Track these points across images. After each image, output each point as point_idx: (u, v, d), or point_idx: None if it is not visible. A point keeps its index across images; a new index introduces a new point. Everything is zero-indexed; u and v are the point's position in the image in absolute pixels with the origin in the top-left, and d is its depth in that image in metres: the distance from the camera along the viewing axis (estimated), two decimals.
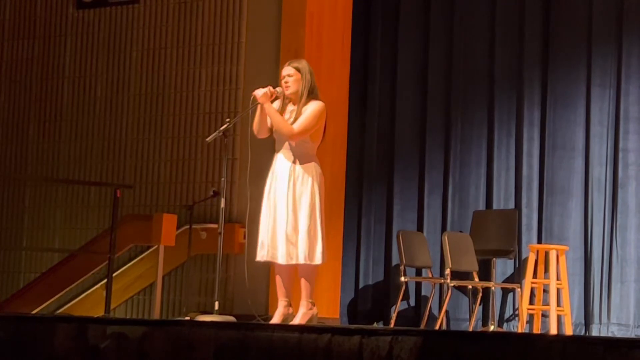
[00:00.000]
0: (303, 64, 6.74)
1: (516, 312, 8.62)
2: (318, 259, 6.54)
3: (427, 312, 8.61)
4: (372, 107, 9.47)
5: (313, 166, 6.62)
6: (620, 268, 8.44)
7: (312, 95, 6.65)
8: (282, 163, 6.62)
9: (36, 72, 10.43)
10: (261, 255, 6.61)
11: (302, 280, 6.57)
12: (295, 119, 6.59)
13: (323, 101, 6.70)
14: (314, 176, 6.59)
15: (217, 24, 9.50)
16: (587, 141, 8.69)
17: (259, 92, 6.61)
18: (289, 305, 6.67)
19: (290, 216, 6.50)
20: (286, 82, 6.68)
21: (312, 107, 6.60)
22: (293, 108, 6.68)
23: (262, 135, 6.75)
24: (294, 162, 6.59)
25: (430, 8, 9.35)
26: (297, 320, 6.55)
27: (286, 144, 6.64)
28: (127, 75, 9.92)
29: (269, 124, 6.68)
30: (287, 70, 6.71)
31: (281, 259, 6.52)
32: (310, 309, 6.59)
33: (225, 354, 4.57)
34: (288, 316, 6.64)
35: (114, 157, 9.86)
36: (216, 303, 7.01)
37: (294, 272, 6.63)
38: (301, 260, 6.50)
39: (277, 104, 6.73)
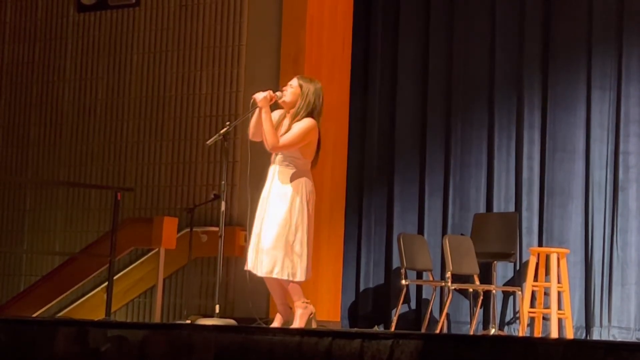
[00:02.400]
0: (312, 84, 6.65)
1: (517, 316, 8.62)
2: (299, 277, 6.54)
3: (427, 316, 8.60)
4: (373, 109, 9.47)
5: (304, 183, 6.59)
6: (621, 271, 8.44)
7: (310, 116, 6.63)
8: (274, 177, 6.62)
9: (37, 75, 10.43)
10: (249, 264, 6.63)
11: (289, 289, 6.59)
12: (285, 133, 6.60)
13: (323, 117, 6.68)
14: (304, 194, 6.57)
15: (217, 26, 9.51)
16: (587, 144, 8.69)
17: (259, 96, 6.60)
18: (289, 308, 6.68)
19: (274, 232, 6.49)
20: (284, 90, 6.68)
21: (301, 124, 6.58)
22: (286, 123, 6.66)
23: (257, 139, 6.74)
24: (285, 178, 6.58)
25: (431, 11, 9.36)
26: (296, 322, 6.55)
27: (279, 158, 6.63)
28: (128, 78, 9.92)
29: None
30: (293, 81, 6.71)
31: (260, 272, 6.53)
32: (306, 307, 6.59)
33: (225, 357, 4.57)
34: (288, 319, 6.64)
35: (115, 160, 9.87)
36: (217, 306, 7.01)
37: (280, 280, 6.64)
38: (281, 276, 6.51)
39: (276, 114, 6.71)
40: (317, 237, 6.97)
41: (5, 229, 10.39)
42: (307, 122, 6.59)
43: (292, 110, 6.66)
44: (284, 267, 6.50)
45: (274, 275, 6.50)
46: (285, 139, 6.55)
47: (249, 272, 6.69)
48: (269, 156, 6.78)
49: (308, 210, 6.58)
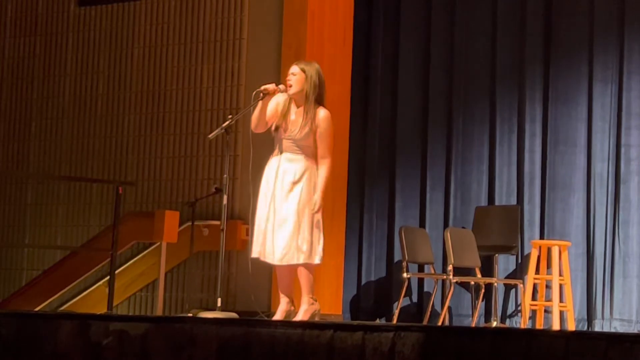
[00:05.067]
0: (312, 66, 6.66)
1: (519, 308, 8.62)
2: (318, 259, 6.55)
3: (429, 308, 8.61)
4: (374, 103, 9.47)
5: (315, 168, 6.62)
6: (623, 263, 8.44)
7: (320, 101, 6.63)
8: (283, 164, 6.61)
9: (38, 70, 10.43)
10: (257, 252, 6.60)
11: (302, 278, 6.57)
12: (303, 126, 6.56)
13: (327, 108, 6.69)
14: (314, 174, 6.59)
15: (218, 20, 9.50)
16: (589, 137, 8.68)
17: (270, 87, 6.63)
18: (291, 301, 6.67)
19: (291, 217, 6.49)
20: (289, 80, 6.65)
21: (327, 126, 6.59)
22: (297, 110, 6.64)
23: (259, 130, 6.74)
24: (295, 164, 6.58)
25: (432, 4, 9.35)
26: (299, 316, 6.55)
27: (288, 146, 6.62)
28: (129, 73, 9.92)
29: (267, 118, 6.67)
30: (293, 69, 6.68)
31: (278, 260, 6.51)
32: (312, 304, 6.58)
33: (228, 350, 4.57)
34: (290, 313, 6.64)
35: (116, 154, 9.87)
36: (218, 300, 7.01)
37: (294, 269, 6.63)
38: (302, 261, 6.50)
39: (280, 97, 6.68)
40: None
41: (6, 223, 10.39)
42: (329, 120, 6.62)
43: (299, 95, 6.63)
44: (310, 252, 6.49)
45: (300, 262, 6.48)
46: (326, 150, 6.60)
47: (252, 265, 6.69)
48: (270, 150, 6.77)
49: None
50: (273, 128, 6.68)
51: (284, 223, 6.50)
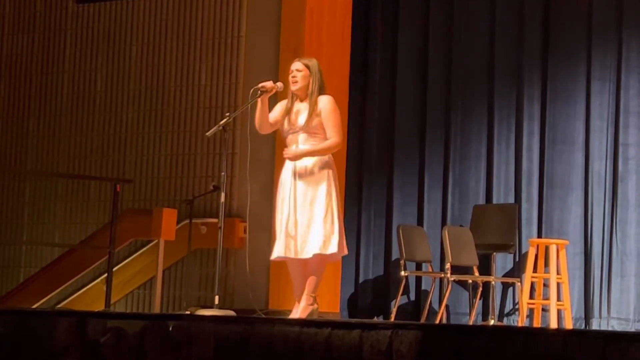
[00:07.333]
0: (313, 62, 6.72)
1: (516, 307, 8.62)
2: (343, 249, 6.58)
3: (427, 307, 8.61)
4: (372, 101, 9.46)
5: (326, 159, 6.65)
6: (621, 262, 8.44)
7: (322, 93, 6.66)
8: (298, 164, 6.62)
9: (36, 67, 10.42)
10: (279, 253, 6.58)
11: (314, 270, 6.56)
12: (309, 116, 6.57)
13: (330, 95, 6.73)
14: (329, 168, 6.62)
15: (216, 17, 9.50)
16: (587, 135, 8.68)
17: (268, 84, 6.64)
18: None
19: (310, 211, 6.51)
20: (294, 77, 6.66)
21: (330, 107, 6.61)
22: (301, 105, 6.66)
23: (264, 131, 6.75)
24: (314, 159, 6.60)
25: (430, 2, 9.34)
26: (297, 313, 6.55)
27: (299, 140, 6.63)
28: (127, 70, 9.92)
29: (270, 120, 6.69)
30: (296, 65, 6.70)
31: (307, 254, 6.50)
32: (311, 304, 6.57)
33: (225, 348, 4.57)
34: (313, 311, 6.62)
35: (114, 151, 9.87)
36: (216, 297, 7.01)
37: (305, 268, 6.62)
38: (332, 251, 6.50)
39: (278, 105, 6.70)
40: None
41: (4, 220, 10.39)
42: (332, 103, 6.65)
43: (304, 91, 6.64)
44: (333, 242, 6.50)
45: (329, 252, 6.48)
46: (335, 132, 6.61)
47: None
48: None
49: (335, 184, 6.62)
50: (283, 133, 6.70)
51: (303, 218, 6.51)
